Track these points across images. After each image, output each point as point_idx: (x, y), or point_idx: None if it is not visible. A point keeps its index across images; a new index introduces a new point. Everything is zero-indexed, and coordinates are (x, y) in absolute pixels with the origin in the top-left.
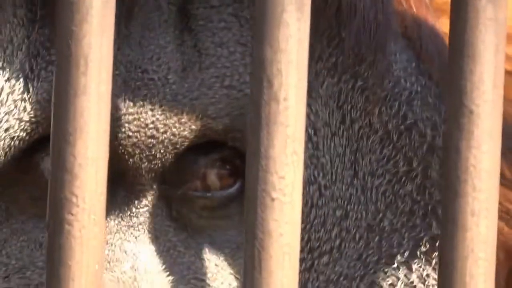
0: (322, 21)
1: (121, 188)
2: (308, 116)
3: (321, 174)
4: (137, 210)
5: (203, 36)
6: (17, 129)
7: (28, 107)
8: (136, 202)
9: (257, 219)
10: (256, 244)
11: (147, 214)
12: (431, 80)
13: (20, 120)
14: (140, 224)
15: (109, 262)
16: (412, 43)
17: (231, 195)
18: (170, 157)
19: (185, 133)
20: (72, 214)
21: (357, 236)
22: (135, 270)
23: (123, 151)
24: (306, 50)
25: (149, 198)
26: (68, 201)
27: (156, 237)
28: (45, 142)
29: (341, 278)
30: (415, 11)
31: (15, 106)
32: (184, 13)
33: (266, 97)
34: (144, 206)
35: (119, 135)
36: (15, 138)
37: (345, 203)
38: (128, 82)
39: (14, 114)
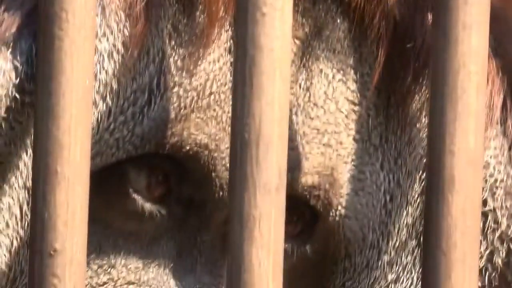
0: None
1: (192, 217)
2: (388, 183)
3: (385, 241)
4: (199, 242)
5: None
6: (127, 141)
7: (145, 122)
8: (201, 233)
9: (247, 35)
10: (247, 60)
11: (209, 247)
12: None
13: (133, 133)
14: (199, 255)
15: (162, 286)
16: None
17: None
18: None
19: None
20: (62, 30)
21: None
22: None
23: (214, 182)
24: None
25: (214, 233)
26: (58, 17)
27: (211, 270)
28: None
29: None
30: None
31: (133, 118)
32: None
33: None
34: (206, 240)
35: (218, 167)
36: (121, 148)
37: (399, 269)
38: None
39: (129, 126)
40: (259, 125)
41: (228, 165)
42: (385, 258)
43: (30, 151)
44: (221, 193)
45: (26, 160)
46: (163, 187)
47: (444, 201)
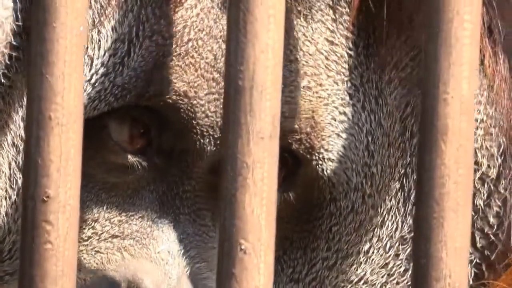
0: (405, 29)
1: (174, 168)
2: (370, 124)
3: (368, 183)
4: (181, 192)
5: None
6: (108, 93)
7: (125, 72)
8: (183, 183)
9: None
10: (241, 7)
11: (191, 197)
12: None
13: (114, 84)
14: (182, 206)
15: (145, 238)
16: None
17: None
18: None
19: None
20: None
21: (388, 245)
22: (168, 252)
23: (194, 130)
24: None
25: (197, 183)
26: None
27: (194, 220)
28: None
29: (361, 282)
30: None
31: (114, 69)
32: None
33: None
34: (189, 190)
35: (198, 114)
36: (103, 100)
37: (384, 212)
38: None
39: (110, 77)
40: (253, 72)
41: (208, 112)
42: (369, 201)
43: (18, 108)
44: (202, 141)
45: (14, 117)
46: (144, 138)
47: (437, 150)
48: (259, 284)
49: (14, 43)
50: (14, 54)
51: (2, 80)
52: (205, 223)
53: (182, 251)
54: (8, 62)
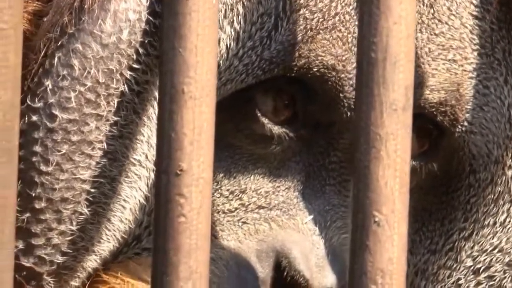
0: None
1: (320, 139)
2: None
3: (509, 155)
4: (327, 163)
5: None
6: (256, 66)
7: (272, 46)
8: (329, 155)
9: None
10: None
11: (337, 168)
12: None
13: (261, 58)
14: (328, 177)
15: (292, 209)
16: None
17: None
18: None
19: None
20: None
21: None
22: (315, 223)
23: (341, 103)
24: None
25: (343, 154)
26: None
27: (339, 191)
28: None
29: (496, 250)
30: None
31: (261, 43)
32: None
33: None
34: (335, 161)
35: (346, 87)
36: (250, 74)
37: None
38: None
39: (257, 51)
40: (386, 44)
41: (354, 85)
42: (509, 173)
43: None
44: (348, 113)
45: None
46: (289, 110)
47: None
48: (393, 256)
49: (158, 11)
50: (157, 22)
51: (149, 50)
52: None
53: (329, 222)
54: (154, 30)
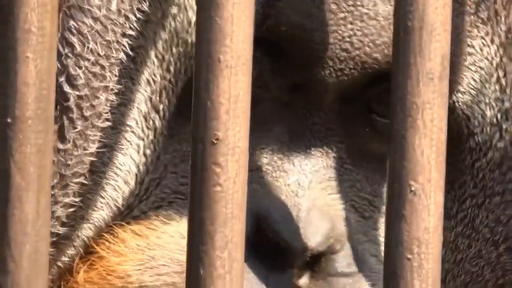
0: None
1: (298, 100)
2: (500, 58)
3: (504, 117)
4: (310, 124)
5: None
6: None
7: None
8: (311, 115)
9: None
10: None
11: (322, 129)
12: None
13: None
14: (313, 138)
15: (276, 171)
16: None
17: None
18: (357, 76)
19: (377, 55)
20: None
21: None
22: (298, 184)
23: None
24: None
25: (326, 115)
26: None
27: (326, 152)
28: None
29: (511, 222)
30: None
31: None
32: None
33: None
34: (318, 122)
35: (317, 46)
36: None
37: None
38: None
39: None
40: (422, 13)
41: (327, 43)
42: (507, 137)
43: (152, 44)
44: (322, 73)
45: (150, 53)
46: (264, 73)
47: None
48: (429, 226)
49: None
50: None
51: (137, 15)
52: (338, 155)
53: (313, 183)
54: None
